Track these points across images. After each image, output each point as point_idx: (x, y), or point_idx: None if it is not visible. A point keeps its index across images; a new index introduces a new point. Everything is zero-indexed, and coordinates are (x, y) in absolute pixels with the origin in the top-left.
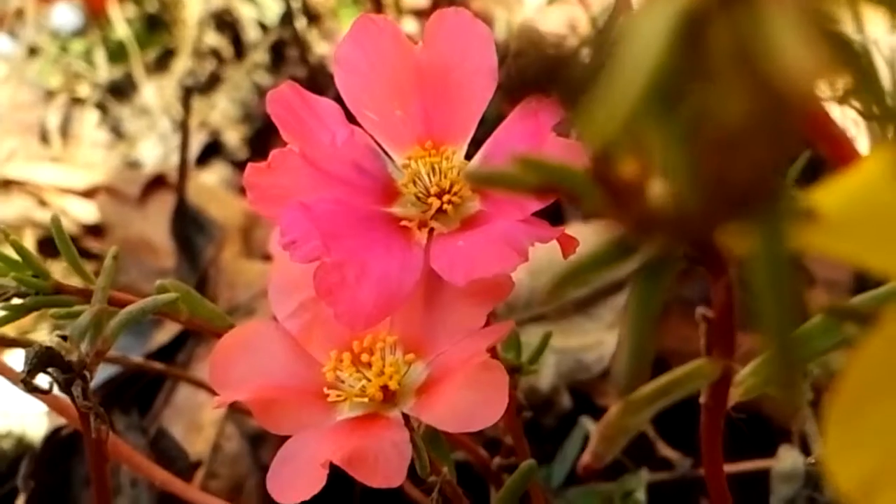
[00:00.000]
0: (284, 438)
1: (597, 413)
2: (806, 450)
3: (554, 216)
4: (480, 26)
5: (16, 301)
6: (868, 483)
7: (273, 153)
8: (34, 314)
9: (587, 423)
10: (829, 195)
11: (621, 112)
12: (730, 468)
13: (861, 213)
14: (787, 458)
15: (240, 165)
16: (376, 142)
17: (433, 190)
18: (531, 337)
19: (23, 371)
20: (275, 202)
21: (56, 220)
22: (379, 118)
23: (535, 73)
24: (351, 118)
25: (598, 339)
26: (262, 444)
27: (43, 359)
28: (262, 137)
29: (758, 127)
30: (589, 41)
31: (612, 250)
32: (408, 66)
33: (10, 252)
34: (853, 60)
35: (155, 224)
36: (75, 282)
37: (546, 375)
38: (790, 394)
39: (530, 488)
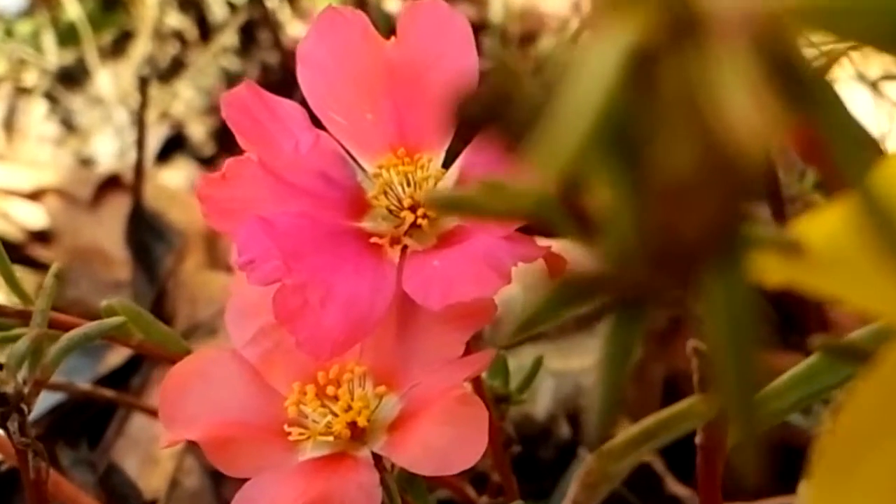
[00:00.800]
0: (243, 481)
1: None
2: None
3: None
4: (459, 19)
5: None
6: None
7: (228, 162)
8: None
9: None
10: (816, 226)
11: (568, 149)
12: None
13: (847, 247)
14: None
15: (206, 163)
16: (344, 148)
17: (406, 203)
18: (526, 359)
19: None
20: (231, 216)
21: None
22: (347, 122)
23: (482, 107)
24: (316, 122)
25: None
26: (225, 481)
27: None
28: (230, 131)
29: (708, 178)
30: (538, 74)
31: (583, 286)
32: (379, 64)
33: None
34: (815, 100)
35: (109, 230)
36: (12, 301)
37: (542, 402)
38: (751, 454)
39: None
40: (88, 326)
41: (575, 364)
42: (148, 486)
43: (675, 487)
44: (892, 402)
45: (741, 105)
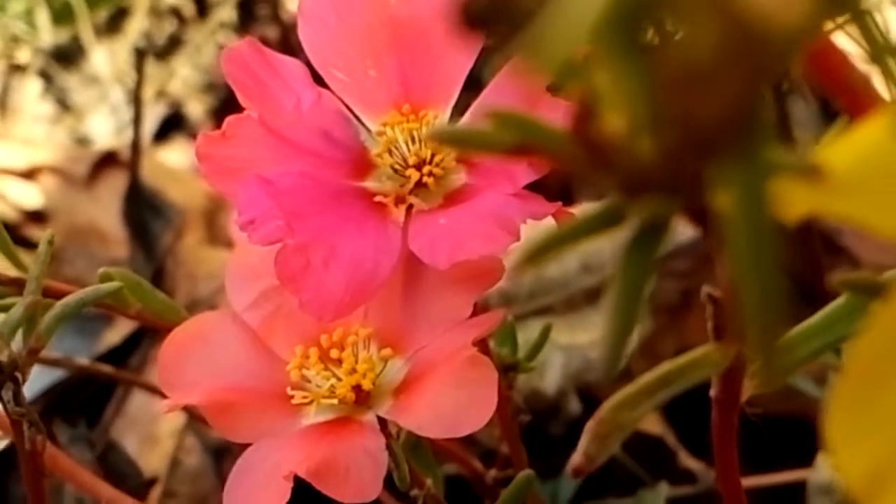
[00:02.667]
0: (245, 447)
1: None
2: None
3: (563, 196)
4: None
5: None
6: (875, 476)
7: (228, 120)
8: None
9: None
10: (841, 151)
11: (571, 42)
12: (758, 481)
13: (872, 171)
14: (824, 468)
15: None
16: (347, 106)
17: (412, 160)
18: (534, 332)
19: None
20: (231, 176)
21: None
22: (350, 79)
23: (482, 3)
24: (319, 80)
25: None
26: (227, 458)
27: None
28: (230, 108)
29: (729, 60)
30: None
31: (596, 218)
32: (382, 19)
33: None
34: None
35: (106, 209)
36: (8, 272)
37: (552, 377)
38: (771, 375)
39: (530, 503)
40: (84, 292)
41: (583, 338)
42: (148, 464)
43: (688, 461)
44: None
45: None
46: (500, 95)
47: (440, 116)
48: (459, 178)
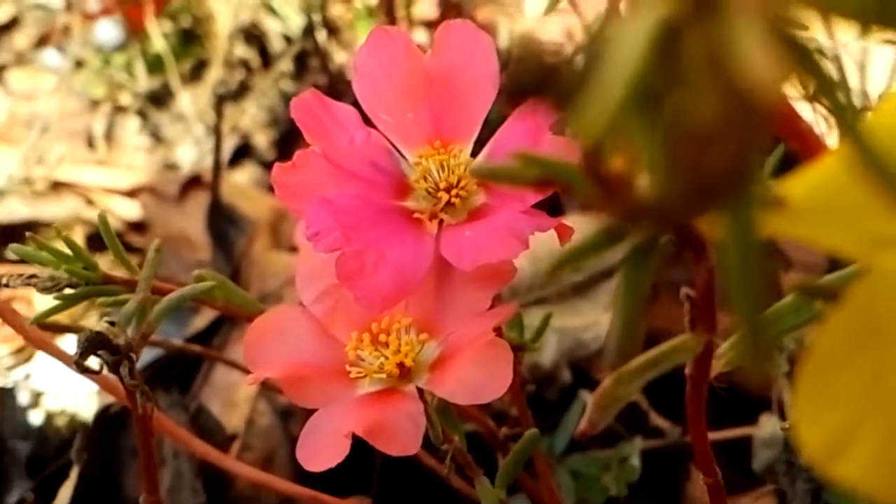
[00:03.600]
0: (312, 412)
1: (595, 387)
2: (784, 417)
3: (553, 209)
4: (484, 36)
5: (68, 291)
6: (832, 445)
7: (298, 153)
8: (84, 303)
9: (586, 396)
10: (796, 185)
11: (605, 113)
12: (715, 436)
13: (821, 200)
14: (767, 426)
15: (268, 166)
16: (390, 142)
17: (442, 185)
18: (533, 318)
19: (75, 354)
20: (300, 198)
21: (103, 218)
22: (393, 120)
23: (532, 78)
24: (367, 121)
25: (594, 319)
26: (292, 419)
27: (93, 342)
28: (288, 140)
29: (728, 124)
30: (581, 49)
31: (603, 237)
32: (418, 73)
33: (63, 247)
34: (810, 64)
35: (192, 220)
36: (121, 273)
37: (548, 353)
38: (761, 365)
39: (534, 455)
40: (183, 290)
41: (574, 322)
42: (229, 423)
43: (658, 420)
44: (861, 327)
45: (757, 58)
46: (512, 133)
47: (464, 150)
48: (480, 198)
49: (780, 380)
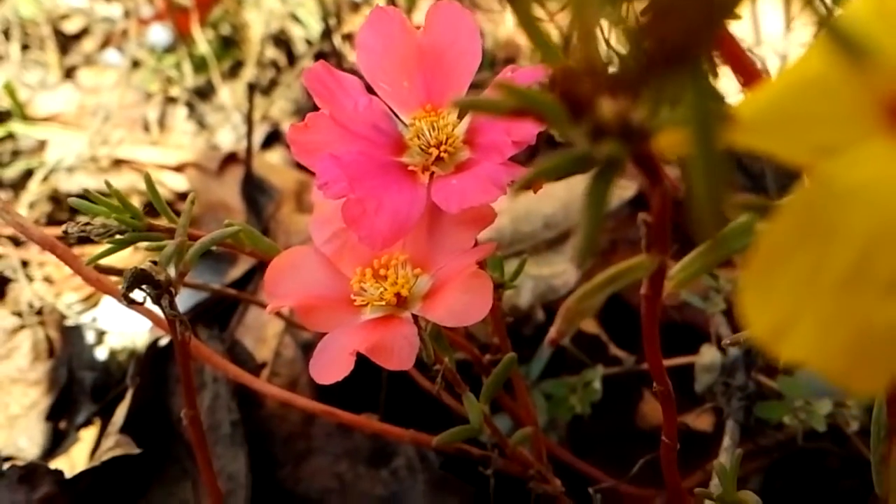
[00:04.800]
0: None
1: None
2: (720, 347)
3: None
4: (468, 16)
5: (118, 237)
6: (777, 328)
7: (309, 116)
8: (133, 250)
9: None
10: (747, 103)
11: None
12: (670, 362)
13: (770, 115)
14: (707, 354)
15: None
16: (389, 107)
17: (433, 142)
18: (512, 267)
19: (122, 287)
20: (311, 154)
21: (148, 178)
22: (390, 88)
23: None
24: (369, 88)
25: (563, 269)
26: (312, 350)
27: (138, 277)
28: None
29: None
30: None
31: (571, 157)
32: (412, 47)
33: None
34: None
35: (230, 190)
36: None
37: (525, 296)
38: (714, 216)
39: (513, 378)
40: (214, 233)
41: (547, 271)
42: (260, 355)
43: (616, 351)
44: (802, 226)
45: None
46: (492, 96)
47: (451, 113)
48: (465, 154)
49: (717, 316)
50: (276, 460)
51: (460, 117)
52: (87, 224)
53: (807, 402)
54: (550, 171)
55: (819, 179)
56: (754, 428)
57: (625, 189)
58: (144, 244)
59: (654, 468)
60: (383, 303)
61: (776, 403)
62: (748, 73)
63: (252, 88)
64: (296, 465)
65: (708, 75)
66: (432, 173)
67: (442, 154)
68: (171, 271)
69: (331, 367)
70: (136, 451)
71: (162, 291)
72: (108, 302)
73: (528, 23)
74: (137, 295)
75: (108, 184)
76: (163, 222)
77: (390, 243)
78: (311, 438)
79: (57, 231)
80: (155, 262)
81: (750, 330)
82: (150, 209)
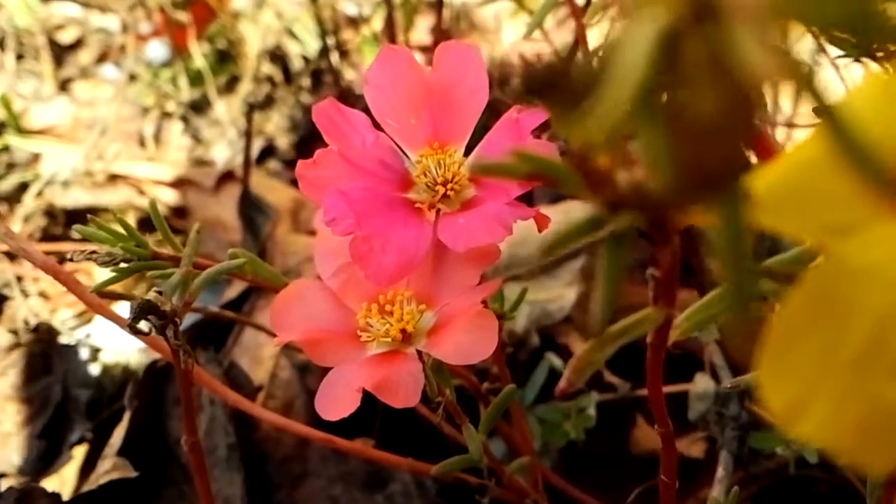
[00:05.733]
0: (327, 369)
1: (559, 349)
2: (715, 376)
3: (527, 201)
4: (477, 54)
5: (123, 265)
6: (792, 406)
7: (318, 152)
8: (135, 276)
9: (551, 357)
10: (759, 180)
11: (616, 110)
12: (663, 389)
13: (782, 193)
14: (701, 383)
15: (289, 164)
16: (396, 143)
17: (440, 180)
18: (509, 292)
19: (129, 318)
20: (319, 189)
21: (153, 205)
22: (398, 125)
23: (540, 82)
24: (377, 125)
25: (559, 293)
26: (309, 373)
27: (144, 308)
28: (306, 142)
29: (726, 118)
30: (588, 56)
31: (586, 223)
32: (420, 85)
33: (118, 229)
34: (794, 66)
35: (226, 208)
36: (166, 251)
37: (520, 321)
38: (745, 325)
39: (511, 406)
40: (220, 265)
41: (542, 296)
42: (256, 377)
43: (610, 377)
44: (816, 305)
45: (754, 56)
46: (498, 137)
47: (458, 151)
48: (471, 192)
49: (711, 344)
50: (272, 483)
51: (466, 155)
52: (93, 252)
53: None
54: (566, 239)
55: (832, 258)
56: (747, 457)
57: (618, 215)
58: (150, 274)
59: (646, 496)
60: (389, 339)
61: (769, 434)
62: (765, 148)
63: (251, 107)
64: (291, 488)
65: (741, 198)
66: (438, 210)
67: (448, 192)
68: (176, 299)
69: (336, 403)
70: (134, 474)
71: (167, 322)
72: (102, 319)
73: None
74: (143, 325)
75: (113, 213)
76: (156, 238)
77: (396, 280)
78: (307, 461)
79: (54, 247)
80: (159, 292)
81: (766, 407)
82: (144, 223)
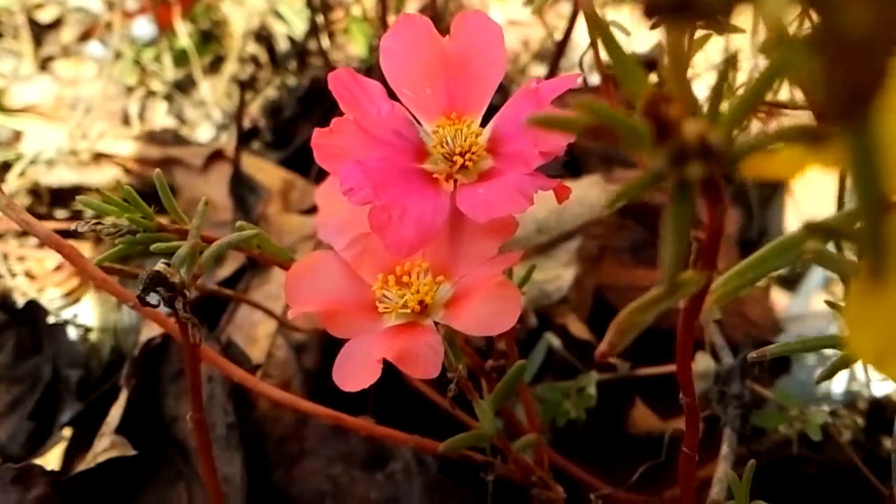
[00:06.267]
0: (323, 346)
1: (556, 329)
2: (715, 356)
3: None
4: (495, 25)
5: (128, 237)
6: (880, 351)
7: (334, 121)
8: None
9: (549, 337)
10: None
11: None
12: (660, 370)
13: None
14: (702, 362)
15: (273, 145)
16: (412, 114)
17: (457, 150)
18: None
19: (138, 290)
20: (335, 159)
21: (159, 176)
22: (414, 95)
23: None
24: (392, 95)
25: (556, 274)
26: (305, 352)
27: (154, 280)
28: (292, 124)
29: (880, 32)
30: None
31: (650, 177)
32: (437, 55)
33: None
34: None
35: (215, 187)
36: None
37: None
38: (877, 243)
39: (518, 384)
40: (230, 236)
41: (540, 276)
42: (251, 356)
43: (610, 358)
44: None
45: None
46: (515, 107)
47: (475, 121)
48: (488, 162)
49: (711, 324)
50: (269, 462)
51: (483, 125)
52: (98, 223)
53: (801, 411)
54: (631, 192)
55: None
56: (749, 436)
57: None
58: (155, 245)
59: (646, 475)
60: (407, 310)
61: (772, 412)
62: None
63: (243, 86)
64: (289, 467)
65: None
66: (456, 181)
67: (466, 162)
68: (184, 272)
69: (357, 374)
70: (132, 452)
71: (176, 294)
72: (89, 298)
73: (610, 44)
74: (152, 297)
75: (118, 182)
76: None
77: (416, 250)
78: (304, 440)
79: (51, 225)
80: (168, 264)
81: (855, 353)
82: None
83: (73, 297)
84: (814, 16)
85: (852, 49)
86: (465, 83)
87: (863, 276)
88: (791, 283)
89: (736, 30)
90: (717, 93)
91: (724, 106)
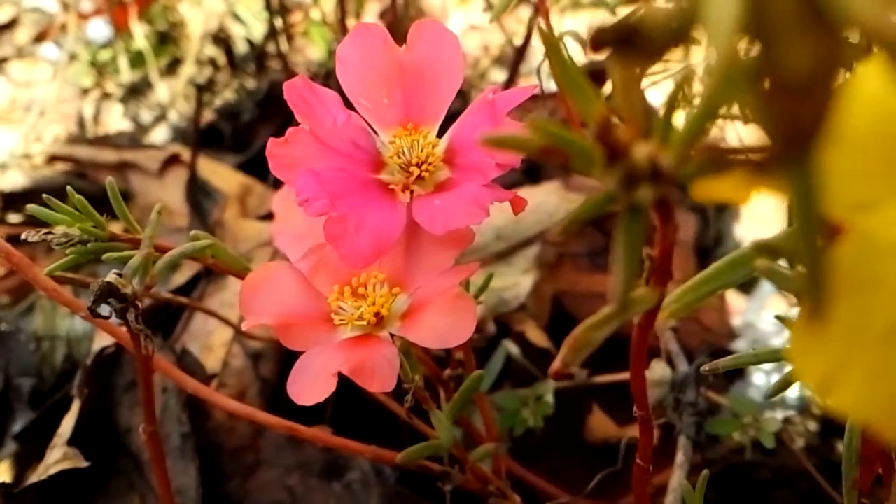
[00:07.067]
0: (279, 356)
1: (515, 337)
2: (670, 363)
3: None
4: (451, 35)
5: (79, 247)
6: (826, 379)
7: (289, 131)
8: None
9: (508, 345)
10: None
11: (724, 34)
12: (618, 377)
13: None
14: (658, 370)
15: (231, 149)
16: (368, 123)
17: (413, 161)
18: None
19: (89, 301)
20: (290, 169)
21: (111, 184)
22: (370, 105)
23: (614, 35)
24: (349, 104)
25: (515, 281)
26: (261, 361)
27: (105, 291)
28: (250, 128)
29: (820, 74)
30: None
31: (600, 200)
32: (393, 64)
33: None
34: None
35: (171, 192)
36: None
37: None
38: (816, 276)
39: (475, 393)
40: (184, 246)
41: (497, 284)
42: (206, 365)
43: None
44: (847, 279)
45: (868, 10)
46: (472, 117)
47: (432, 131)
48: (444, 173)
49: (667, 332)
50: (225, 473)
51: (440, 136)
52: (49, 233)
53: (755, 419)
54: (581, 215)
55: (861, 234)
56: (704, 443)
57: (573, 203)
58: (107, 256)
59: (603, 483)
60: (363, 322)
61: (727, 420)
62: None
63: (200, 89)
64: (244, 477)
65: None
66: (412, 192)
67: (423, 173)
68: (136, 282)
69: (312, 388)
70: (85, 464)
71: (128, 305)
72: (39, 305)
73: (564, 69)
74: (103, 308)
75: (69, 191)
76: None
77: (371, 262)
78: (260, 450)
79: (3, 231)
80: (119, 275)
81: (801, 380)
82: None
83: (24, 304)
84: (758, 50)
85: (794, 89)
86: (422, 93)
87: (805, 312)
88: (746, 286)
89: (686, 55)
90: (669, 112)
91: (678, 118)
